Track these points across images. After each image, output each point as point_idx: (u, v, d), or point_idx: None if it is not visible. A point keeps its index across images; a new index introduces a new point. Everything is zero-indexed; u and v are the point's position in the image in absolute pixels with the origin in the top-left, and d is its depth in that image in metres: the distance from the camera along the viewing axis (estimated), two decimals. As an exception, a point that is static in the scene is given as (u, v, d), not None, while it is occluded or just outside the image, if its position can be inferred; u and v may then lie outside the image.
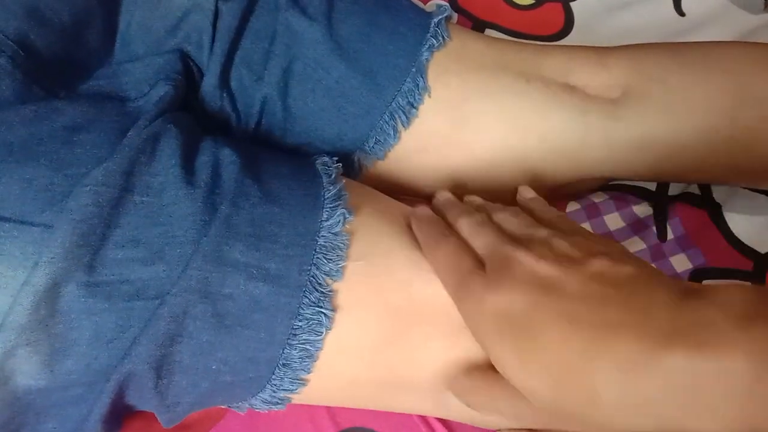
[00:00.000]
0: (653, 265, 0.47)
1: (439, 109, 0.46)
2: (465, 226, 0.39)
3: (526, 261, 0.33)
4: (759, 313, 0.27)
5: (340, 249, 0.37)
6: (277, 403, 0.39)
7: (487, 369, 0.35)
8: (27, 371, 0.33)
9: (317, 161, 0.42)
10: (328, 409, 0.47)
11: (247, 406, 0.40)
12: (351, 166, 0.47)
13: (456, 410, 0.40)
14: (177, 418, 0.38)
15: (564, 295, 0.31)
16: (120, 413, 0.37)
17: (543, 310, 0.30)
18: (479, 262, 0.35)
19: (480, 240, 0.37)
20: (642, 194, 0.56)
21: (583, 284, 0.31)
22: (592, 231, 0.47)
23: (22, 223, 0.32)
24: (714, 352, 0.26)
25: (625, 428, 0.28)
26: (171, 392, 0.36)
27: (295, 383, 0.38)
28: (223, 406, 0.43)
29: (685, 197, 0.56)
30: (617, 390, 0.28)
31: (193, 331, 0.35)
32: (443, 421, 0.46)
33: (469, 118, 0.46)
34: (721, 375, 0.26)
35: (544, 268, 0.32)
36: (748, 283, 0.52)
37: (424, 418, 0.46)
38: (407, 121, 0.46)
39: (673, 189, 0.57)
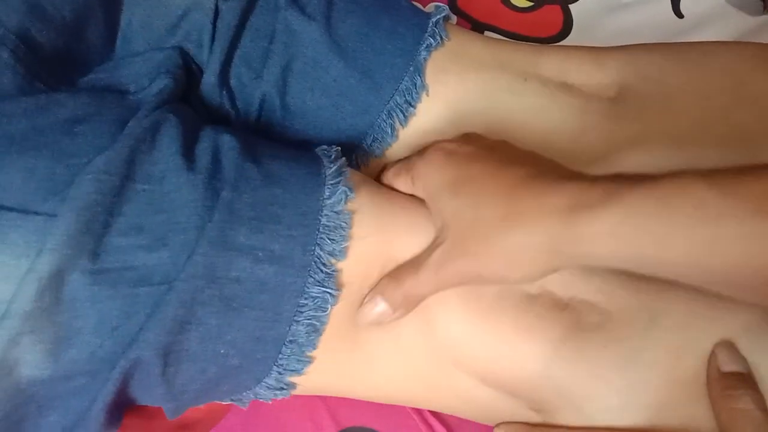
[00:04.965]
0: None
1: (437, 108, 0.46)
2: None
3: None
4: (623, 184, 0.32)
5: (343, 229, 0.38)
6: (282, 389, 0.40)
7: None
8: (31, 360, 0.33)
9: (316, 148, 0.43)
10: (329, 408, 0.47)
11: (251, 397, 0.41)
12: (349, 164, 0.47)
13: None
14: (182, 407, 0.39)
15: (494, 159, 0.38)
16: (122, 406, 0.38)
17: (479, 159, 0.39)
18: None
19: None
20: (641, 193, 0.56)
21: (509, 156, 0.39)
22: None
23: (25, 212, 0.33)
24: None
25: (511, 270, 0.35)
26: (178, 380, 0.37)
27: (302, 362, 0.38)
28: (225, 403, 0.43)
29: (684, 196, 0.56)
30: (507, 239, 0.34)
31: (201, 316, 0.35)
32: (442, 421, 0.47)
33: (466, 117, 0.46)
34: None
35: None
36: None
37: (423, 418, 0.47)
38: (405, 120, 0.46)
39: (672, 188, 0.57)
